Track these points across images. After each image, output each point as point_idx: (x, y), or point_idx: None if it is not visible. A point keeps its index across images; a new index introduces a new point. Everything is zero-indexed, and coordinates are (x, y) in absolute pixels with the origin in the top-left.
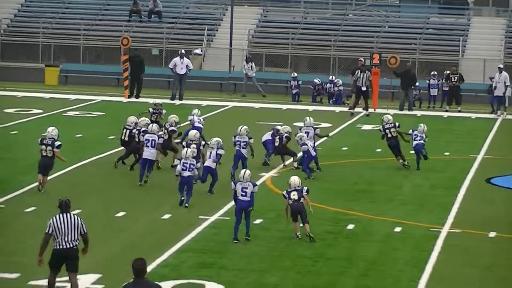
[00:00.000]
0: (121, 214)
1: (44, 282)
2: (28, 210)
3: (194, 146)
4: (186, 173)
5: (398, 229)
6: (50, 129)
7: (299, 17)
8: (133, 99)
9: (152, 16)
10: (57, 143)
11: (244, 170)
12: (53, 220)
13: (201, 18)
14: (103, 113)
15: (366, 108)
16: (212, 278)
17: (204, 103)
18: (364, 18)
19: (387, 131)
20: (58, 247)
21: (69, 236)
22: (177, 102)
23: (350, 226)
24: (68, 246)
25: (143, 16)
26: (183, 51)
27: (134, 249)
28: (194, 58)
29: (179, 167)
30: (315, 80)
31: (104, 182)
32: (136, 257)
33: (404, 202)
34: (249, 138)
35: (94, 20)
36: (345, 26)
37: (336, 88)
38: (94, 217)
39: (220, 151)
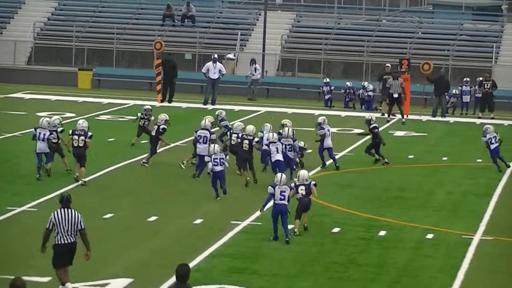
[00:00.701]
0: (153, 218)
1: (76, 285)
2: None
3: (247, 142)
4: (218, 168)
5: (430, 235)
6: (80, 121)
7: (332, 23)
8: (165, 104)
9: (186, 20)
10: (90, 133)
11: (280, 174)
12: (54, 216)
13: (234, 22)
14: (136, 117)
15: (402, 115)
16: (243, 283)
17: (237, 107)
18: (397, 24)
19: (376, 130)
20: (60, 242)
21: (70, 231)
22: (209, 107)
23: (382, 233)
24: (69, 241)
25: (176, 21)
26: (216, 55)
27: (166, 254)
28: (227, 63)
29: (210, 164)
30: (347, 83)
31: (136, 186)
32: (180, 262)
33: (436, 209)
34: (294, 141)
35: (127, 24)
36: (378, 32)
37: (366, 94)
38: (126, 221)
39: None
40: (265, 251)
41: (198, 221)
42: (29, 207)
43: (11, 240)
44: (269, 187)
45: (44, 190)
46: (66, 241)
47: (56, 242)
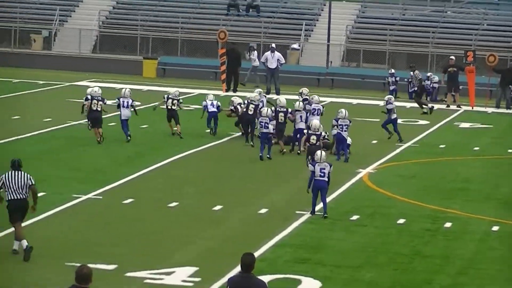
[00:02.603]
0: (218, 207)
1: (141, 274)
2: (126, 201)
3: (282, 114)
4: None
5: (495, 228)
6: (173, 89)
7: (397, 14)
8: (230, 93)
9: (250, 10)
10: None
11: (319, 151)
12: (5, 176)
13: (299, 13)
14: (201, 107)
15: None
16: (308, 274)
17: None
18: (462, 16)
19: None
20: (11, 198)
21: (20, 189)
22: (274, 96)
23: (448, 224)
24: (20, 197)
25: (241, 10)
26: (273, 45)
27: (230, 243)
28: (291, 53)
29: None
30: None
31: (201, 175)
32: (244, 252)
33: (502, 201)
34: (350, 122)
35: (192, 13)
36: (444, 23)
37: (432, 85)
38: (191, 210)
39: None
40: (329, 242)
41: (263, 210)
42: (94, 195)
43: (76, 228)
44: (309, 165)
45: (109, 178)
46: (15, 197)
47: (7, 199)
